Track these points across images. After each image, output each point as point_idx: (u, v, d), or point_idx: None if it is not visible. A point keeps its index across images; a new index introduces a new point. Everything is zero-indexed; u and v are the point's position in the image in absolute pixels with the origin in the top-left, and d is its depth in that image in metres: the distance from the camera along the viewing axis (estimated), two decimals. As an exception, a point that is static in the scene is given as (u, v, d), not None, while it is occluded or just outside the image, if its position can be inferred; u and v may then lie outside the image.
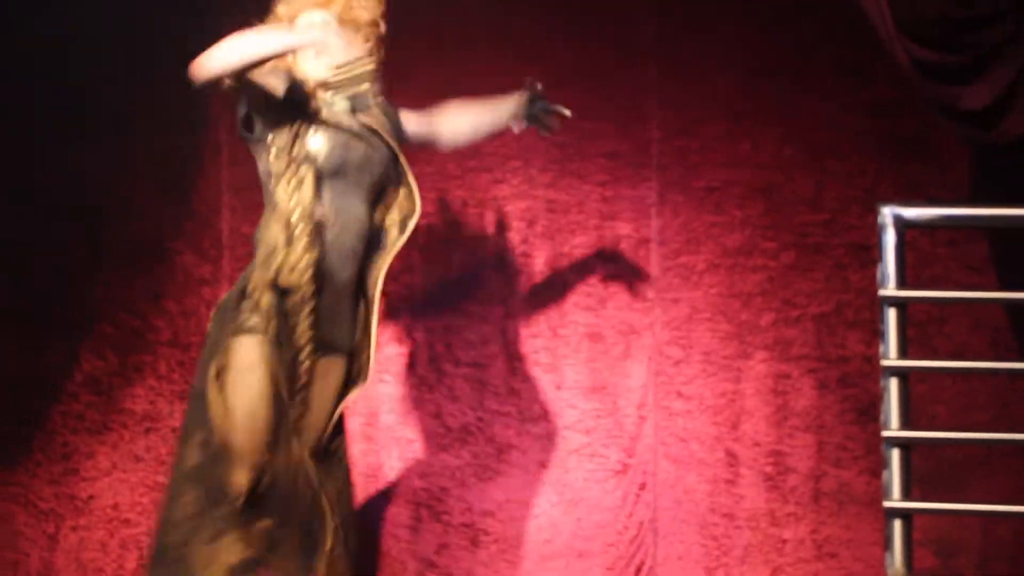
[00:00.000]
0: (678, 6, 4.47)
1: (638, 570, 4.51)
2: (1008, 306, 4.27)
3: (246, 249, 4.64)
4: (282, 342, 3.68)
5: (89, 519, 4.74)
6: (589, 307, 4.55)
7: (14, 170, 4.68)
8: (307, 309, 3.73)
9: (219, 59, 3.62)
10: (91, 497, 4.74)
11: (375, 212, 3.89)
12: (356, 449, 4.54)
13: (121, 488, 4.72)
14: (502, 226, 4.60)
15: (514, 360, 4.57)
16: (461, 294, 4.61)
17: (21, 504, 4.76)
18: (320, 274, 3.74)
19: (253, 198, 4.50)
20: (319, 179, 3.78)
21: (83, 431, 4.74)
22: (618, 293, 4.53)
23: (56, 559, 4.73)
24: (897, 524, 3.76)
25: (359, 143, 3.83)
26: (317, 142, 3.79)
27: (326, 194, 3.78)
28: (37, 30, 4.61)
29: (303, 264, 3.71)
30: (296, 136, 3.79)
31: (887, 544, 3.74)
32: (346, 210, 3.80)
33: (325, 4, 3.78)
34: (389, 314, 4.63)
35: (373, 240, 3.88)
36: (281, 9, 3.84)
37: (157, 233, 4.71)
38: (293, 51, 3.75)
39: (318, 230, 3.74)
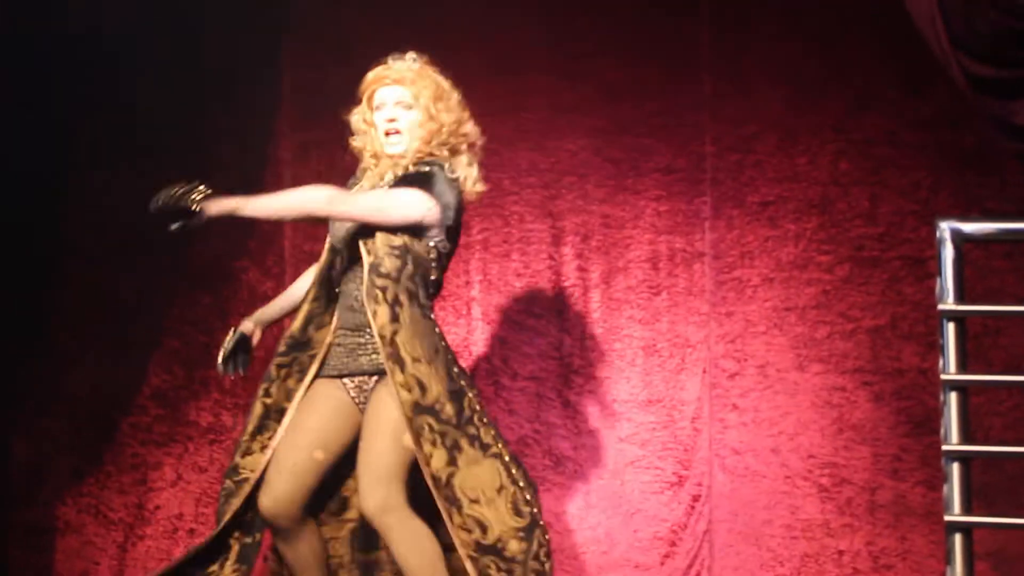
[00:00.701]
0: (732, 23, 4.35)
1: (695, 581, 4.36)
2: (1064, 318, 4.09)
3: (308, 265, 4.52)
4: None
5: (155, 528, 4.67)
6: (644, 321, 4.42)
7: (89, 196, 4.64)
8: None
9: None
10: (157, 507, 4.67)
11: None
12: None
13: (186, 498, 4.65)
14: (557, 240, 4.48)
15: (570, 373, 4.46)
16: (518, 308, 4.50)
17: (92, 514, 4.69)
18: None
19: (314, 216, 4.47)
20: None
21: (151, 443, 4.68)
22: (673, 307, 4.41)
23: (125, 567, 4.66)
24: (958, 538, 3.57)
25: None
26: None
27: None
28: (113, 62, 4.57)
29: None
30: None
31: (948, 558, 3.55)
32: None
33: (399, 81, 3.57)
34: (446, 328, 4.48)
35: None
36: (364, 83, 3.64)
37: (223, 252, 4.66)
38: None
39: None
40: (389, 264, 3.47)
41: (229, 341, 3.78)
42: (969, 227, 3.61)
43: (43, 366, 4.65)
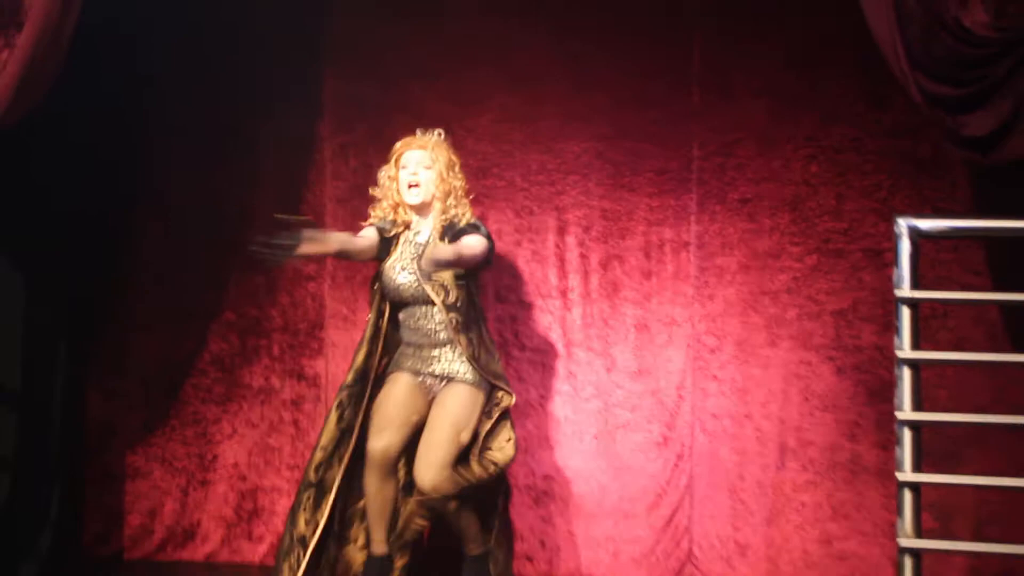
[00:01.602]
0: (719, 44, 4.26)
1: (676, 529, 4.30)
2: (1004, 304, 4.02)
3: (346, 250, 4.48)
4: None
5: (214, 475, 4.60)
6: (636, 301, 4.34)
7: (157, 189, 4.58)
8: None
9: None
10: (215, 457, 4.60)
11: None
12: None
13: (240, 450, 4.58)
14: (562, 230, 4.39)
15: (571, 346, 4.38)
16: (527, 289, 4.41)
17: (158, 462, 4.63)
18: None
19: (352, 207, 4.44)
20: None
21: (210, 402, 4.60)
22: (662, 290, 4.33)
23: (187, 507, 4.59)
24: (908, 494, 3.54)
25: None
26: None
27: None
28: (177, 73, 4.53)
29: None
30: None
31: (899, 511, 3.52)
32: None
33: (422, 147, 3.86)
34: None
35: None
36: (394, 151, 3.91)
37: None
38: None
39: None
40: (453, 297, 3.82)
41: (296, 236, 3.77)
42: (925, 224, 3.55)
43: (116, 334, 4.59)
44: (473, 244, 3.77)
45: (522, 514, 4.33)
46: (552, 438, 4.36)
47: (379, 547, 3.92)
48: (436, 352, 3.86)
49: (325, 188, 4.51)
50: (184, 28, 4.46)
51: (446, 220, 3.83)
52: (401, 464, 3.92)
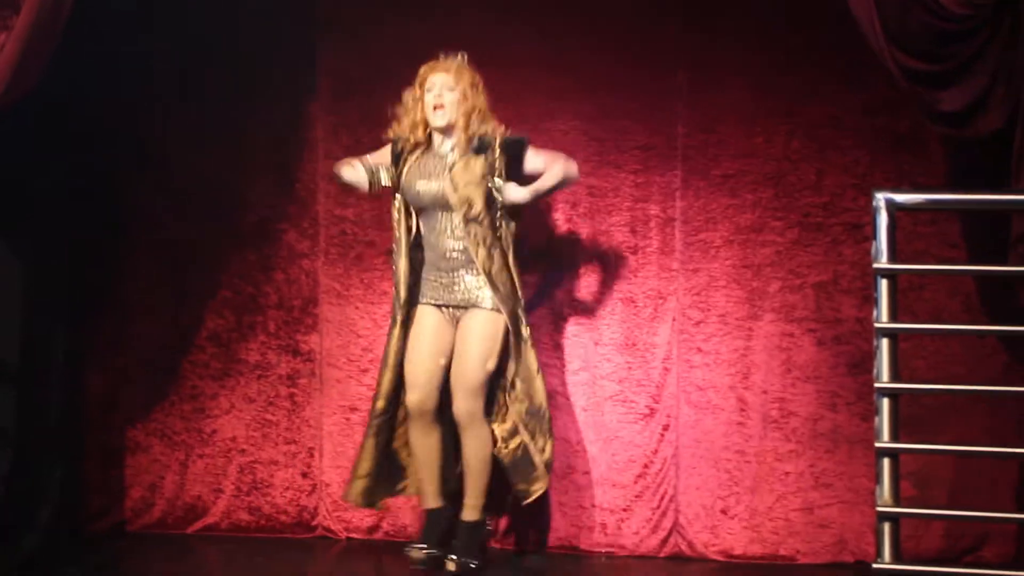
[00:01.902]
0: (702, 24, 4.28)
1: (662, 498, 4.33)
2: (979, 276, 4.06)
3: (339, 228, 4.56)
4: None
5: (213, 449, 4.63)
6: (623, 276, 4.37)
7: (153, 168, 4.59)
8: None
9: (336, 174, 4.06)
10: (214, 431, 4.63)
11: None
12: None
13: (238, 424, 4.61)
14: (550, 207, 4.42)
15: (560, 320, 4.41)
16: (516, 264, 4.34)
17: (158, 436, 4.65)
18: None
19: (344, 186, 4.43)
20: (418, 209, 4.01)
21: (208, 377, 4.63)
22: (648, 264, 4.36)
23: (186, 481, 4.62)
24: (886, 462, 3.58)
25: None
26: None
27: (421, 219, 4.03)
28: (171, 56, 4.54)
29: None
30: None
31: (877, 478, 3.56)
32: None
33: (446, 70, 3.96)
34: None
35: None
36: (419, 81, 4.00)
37: (267, 216, 4.59)
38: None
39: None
40: (477, 211, 3.91)
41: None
42: (901, 197, 3.59)
43: (115, 312, 4.60)
44: (562, 163, 3.94)
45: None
46: (541, 410, 4.39)
47: (432, 500, 4.03)
48: (456, 276, 3.93)
49: (318, 166, 4.52)
50: (178, 8, 4.46)
51: (471, 134, 3.91)
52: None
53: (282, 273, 4.60)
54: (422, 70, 3.96)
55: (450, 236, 3.94)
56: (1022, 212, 3.66)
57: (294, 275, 4.58)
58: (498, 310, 3.92)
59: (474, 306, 3.94)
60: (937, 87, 3.69)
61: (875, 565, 3.44)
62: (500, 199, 3.93)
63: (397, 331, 4.00)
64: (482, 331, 3.93)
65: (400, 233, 3.99)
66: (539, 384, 3.97)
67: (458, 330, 3.97)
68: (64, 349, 4.38)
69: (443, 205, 3.93)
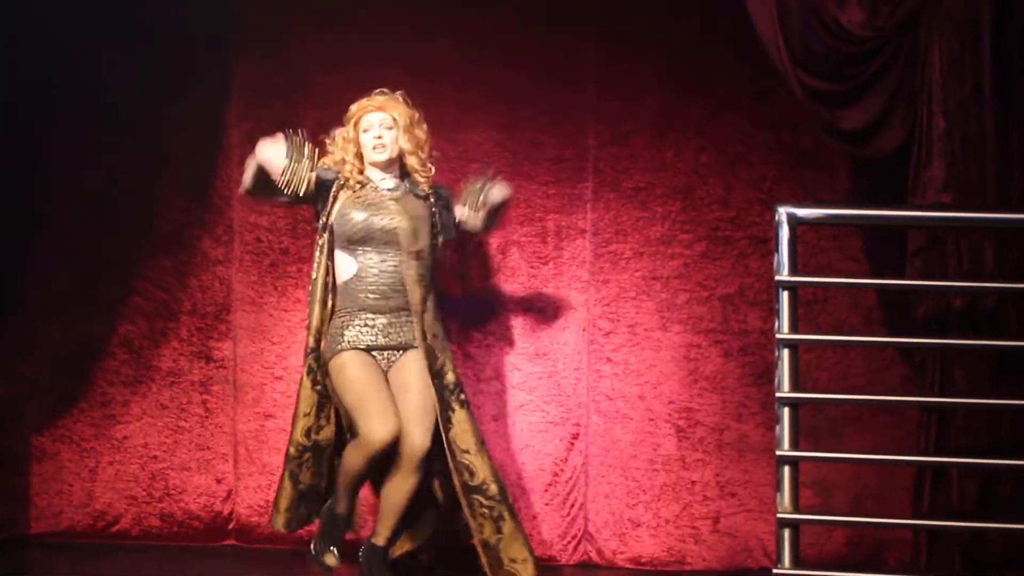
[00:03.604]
0: (613, 39, 4.27)
1: (572, 506, 4.31)
2: (880, 289, 4.10)
3: (253, 235, 4.51)
4: None
5: (124, 455, 4.52)
6: (533, 286, 4.34)
7: (61, 174, 4.48)
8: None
9: (244, 181, 3.79)
10: (125, 437, 4.52)
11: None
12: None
13: (150, 430, 4.51)
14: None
15: (471, 330, 4.37)
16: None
17: (66, 443, 4.54)
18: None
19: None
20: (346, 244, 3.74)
21: (119, 383, 4.52)
22: (558, 275, 4.34)
23: (96, 488, 4.51)
24: (787, 470, 3.58)
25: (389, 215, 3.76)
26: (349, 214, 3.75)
27: (353, 256, 3.75)
28: (81, 58, 4.42)
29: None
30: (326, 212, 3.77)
31: (778, 486, 3.56)
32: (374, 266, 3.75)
33: (381, 108, 3.78)
34: None
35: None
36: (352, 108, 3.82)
37: (181, 222, 4.51)
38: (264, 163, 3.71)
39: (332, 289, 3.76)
40: (420, 245, 3.73)
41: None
42: (802, 212, 3.60)
43: (23, 317, 4.47)
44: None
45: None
46: (453, 419, 4.36)
47: (344, 506, 3.78)
48: (394, 318, 3.70)
49: (232, 173, 4.44)
50: (89, 8, 4.35)
51: (412, 170, 3.76)
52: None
53: (195, 280, 4.52)
54: (354, 109, 3.76)
55: (388, 274, 3.70)
56: (919, 228, 3.70)
57: (208, 282, 4.51)
58: (423, 350, 3.70)
59: (411, 347, 3.72)
60: (838, 106, 3.74)
61: (775, 570, 3.45)
62: (449, 234, 3.80)
63: (307, 381, 3.73)
64: (423, 369, 3.70)
65: (318, 274, 3.72)
66: (486, 458, 3.75)
67: (396, 372, 3.71)
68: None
69: (386, 239, 3.69)
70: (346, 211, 3.72)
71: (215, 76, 4.42)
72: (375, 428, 3.63)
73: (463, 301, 4.35)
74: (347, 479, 3.75)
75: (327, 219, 3.73)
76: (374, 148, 3.74)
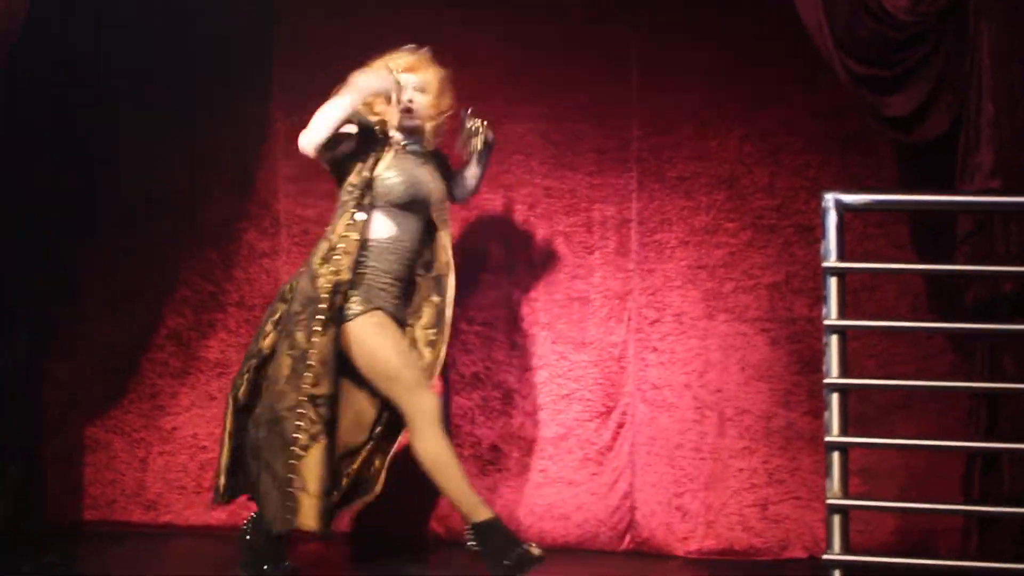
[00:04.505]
0: (658, 28, 4.28)
1: (619, 495, 4.32)
2: (926, 276, 4.09)
3: (300, 228, 4.54)
4: None
5: (173, 446, 4.58)
6: (579, 276, 4.36)
7: (114, 170, 4.54)
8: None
9: (313, 133, 3.61)
10: (174, 428, 4.58)
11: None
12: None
13: (199, 421, 4.56)
14: (507, 208, 4.41)
15: (517, 319, 4.39)
16: (474, 264, 4.40)
17: (118, 434, 4.59)
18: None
19: (304, 186, 4.44)
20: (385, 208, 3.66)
21: (167, 375, 4.58)
22: (604, 264, 4.34)
23: (147, 478, 4.57)
24: (836, 456, 3.57)
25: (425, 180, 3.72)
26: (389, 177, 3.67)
27: (393, 220, 3.66)
28: (132, 58, 4.48)
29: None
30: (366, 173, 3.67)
31: (828, 472, 3.54)
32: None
33: (413, 69, 3.68)
34: None
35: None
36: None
37: (228, 215, 4.56)
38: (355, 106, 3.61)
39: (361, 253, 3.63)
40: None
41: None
42: (849, 198, 3.59)
43: (75, 310, 4.55)
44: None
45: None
46: (498, 409, 4.37)
47: (485, 511, 3.61)
48: (401, 289, 3.65)
49: (277, 166, 4.50)
50: (135, 6, 4.41)
51: (432, 141, 3.70)
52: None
53: (242, 272, 4.57)
54: (390, 64, 3.66)
55: (416, 240, 3.68)
56: (967, 213, 3.68)
57: (254, 274, 4.55)
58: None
59: (404, 325, 3.68)
60: (884, 92, 3.72)
61: (825, 556, 3.44)
62: (453, 199, 3.82)
63: (334, 332, 3.52)
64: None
65: (354, 230, 3.58)
66: None
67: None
68: (25, 347, 4.33)
69: (421, 205, 3.65)
70: (387, 172, 3.63)
71: (259, 71, 4.46)
72: (428, 393, 3.57)
73: (510, 291, 4.37)
74: (450, 465, 3.56)
75: (370, 174, 3.61)
76: (404, 111, 3.64)
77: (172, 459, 4.56)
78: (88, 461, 4.57)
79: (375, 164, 3.62)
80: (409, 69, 3.64)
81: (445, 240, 3.74)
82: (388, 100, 3.64)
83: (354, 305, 3.60)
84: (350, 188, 3.65)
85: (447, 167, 3.85)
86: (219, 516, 4.52)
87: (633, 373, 4.30)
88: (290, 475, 3.58)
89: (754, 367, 4.22)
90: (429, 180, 3.73)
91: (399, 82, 3.61)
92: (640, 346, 4.29)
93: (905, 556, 3.94)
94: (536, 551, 3.58)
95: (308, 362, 3.59)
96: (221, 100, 4.47)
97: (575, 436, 4.32)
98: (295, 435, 3.59)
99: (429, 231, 3.77)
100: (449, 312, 3.73)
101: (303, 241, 4.51)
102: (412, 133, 3.73)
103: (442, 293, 3.70)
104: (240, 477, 3.73)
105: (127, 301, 4.55)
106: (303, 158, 4.48)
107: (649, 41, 4.26)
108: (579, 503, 4.31)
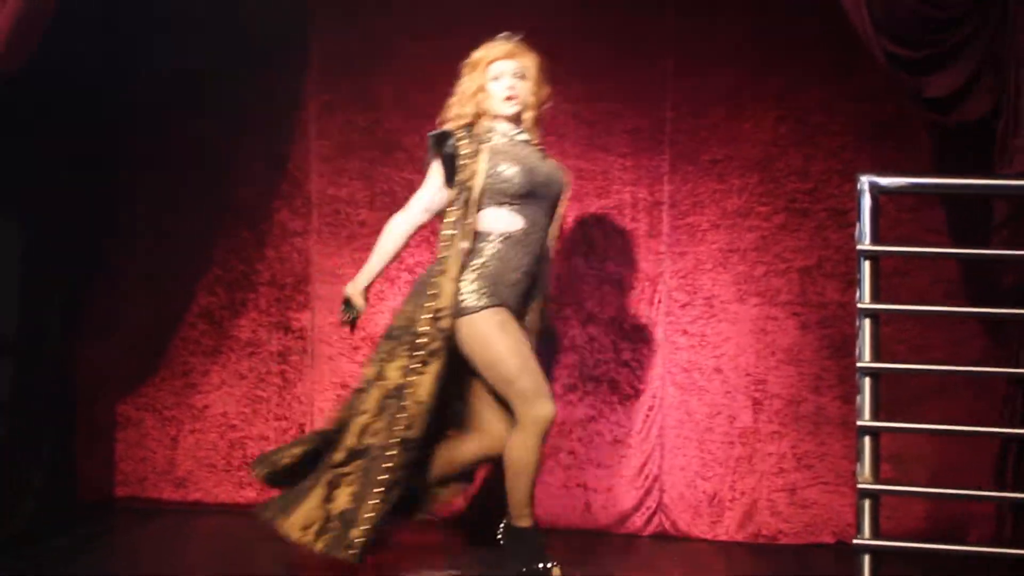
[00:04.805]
0: (692, 10, 4.25)
1: (647, 478, 4.31)
2: (960, 262, 4.05)
3: (332, 207, 4.54)
4: None
5: (204, 424, 4.60)
6: (610, 256, 4.34)
7: (144, 147, 4.55)
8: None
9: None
10: (205, 407, 4.60)
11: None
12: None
13: (229, 400, 4.58)
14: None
15: (547, 300, 4.29)
16: None
17: (149, 411, 4.62)
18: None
19: (337, 165, 4.43)
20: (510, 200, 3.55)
21: (199, 354, 4.60)
22: (635, 247, 4.33)
23: (177, 456, 4.60)
24: (867, 440, 3.54)
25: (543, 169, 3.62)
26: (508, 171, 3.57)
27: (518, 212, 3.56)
28: (168, 28, 4.47)
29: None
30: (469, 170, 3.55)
31: (858, 456, 3.52)
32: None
33: (512, 55, 3.59)
34: None
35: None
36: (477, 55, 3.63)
37: (260, 194, 4.56)
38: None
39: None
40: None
41: (347, 313, 3.62)
42: (884, 181, 3.55)
43: (109, 288, 4.57)
44: None
45: (496, 465, 4.35)
46: (529, 390, 4.37)
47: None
48: (527, 287, 3.53)
49: (310, 145, 4.50)
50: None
51: (534, 132, 3.58)
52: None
53: (274, 251, 4.58)
54: (481, 53, 3.57)
55: (543, 231, 3.51)
56: (1004, 198, 3.64)
57: (286, 253, 4.56)
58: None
59: (523, 328, 3.55)
60: (923, 73, 3.67)
61: (855, 540, 3.42)
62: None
63: (436, 367, 3.39)
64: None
65: (458, 240, 3.43)
66: None
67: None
68: (59, 324, 4.36)
69: (543, 195, 3.51)
70: (498, 166, 3.49)
71: (294, 46, 4.46)
72: (546, 403, 3.42)
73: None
74: (530, 473, 3.45)
75: (472, 177, 3.48)
76: (506, 100, 3.52)
77: (203, 437, 4.59)
78: (119, 438, 4.61)
79: (474, 164, 3.50)
80: (508, 56, 3.55)
81: (553, 236, 3.63)
82: (476, 92, 3.54)
83: (478, 298, 3.46)
84: (460, 191, 3.54)
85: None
86: (248, 494, 4.54)
87: (663, 356, 4.29)
88: (359, 510, 3.49)
89: (784, 351, 4.21)
90: (549, 168, 3.60)
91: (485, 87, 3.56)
92: (670, 329, 4.28)
93: (935, 543, 3.91)
94: (557, 572, 3.53)
95: (403, 402, 3.47)
96: (256, 74, 4.46)
97: (604, 419, 4.31)
98: (381, 477, 3.46)
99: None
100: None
101: (335, 221, 4.51)
102: (516, 122, 3.60)
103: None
104: (288, 472, 3.65)
105: (159, 280, 4.57)
106: (337, 137, 4.51)
107: (684, 22, 4.24)
108: (607, 486, 4.30)
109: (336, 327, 4.52)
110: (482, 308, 3.46)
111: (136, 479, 4.59)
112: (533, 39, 4.28)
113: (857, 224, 3.53)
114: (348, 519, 3.49)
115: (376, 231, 4.45)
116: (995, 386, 3.84)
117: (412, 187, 4.45)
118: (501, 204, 3.53)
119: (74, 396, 4.52)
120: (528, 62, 3.60)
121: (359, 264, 4.50)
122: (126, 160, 4.58)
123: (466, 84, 3.59)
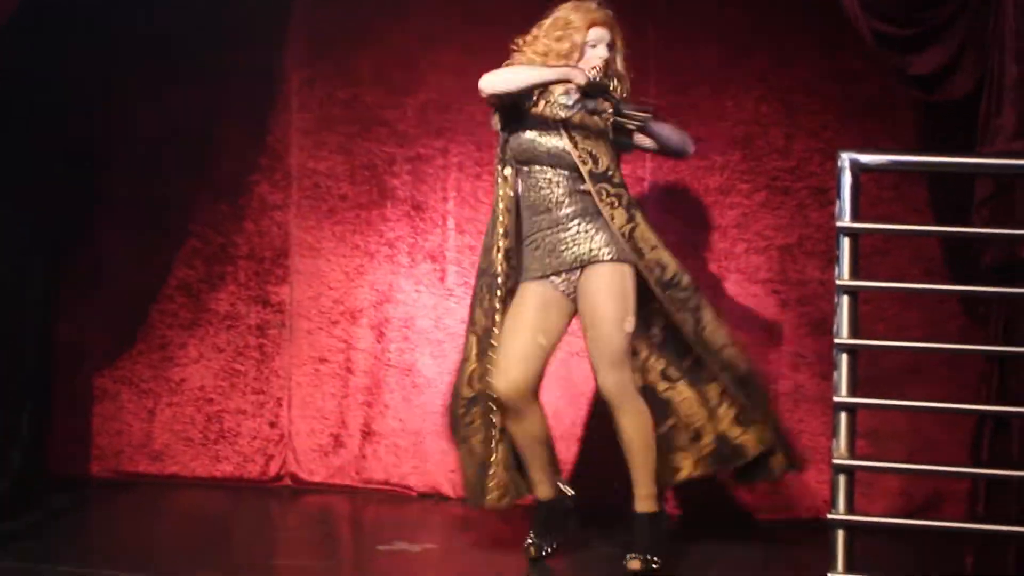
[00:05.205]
0: (676, -14, 4.25)
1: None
2: (940, 241, 4.07)
3: (311, 181, 4.50)
4: None
5: (181, 397, 4.58)
6: (593, 234, 4.29)
7: (128, 122, 4.51)
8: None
9: (499, 83, 3.50)
10: (182, 380, 4.58)
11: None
12: (394, 348, 4.44)
13: (207, 373, 4.56)
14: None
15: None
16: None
17: (126, 384, 4.59)
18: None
19: (318, 138, 4.39)
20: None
21: (177, 326, 4.58)
22: (616, 222, 4.27)
23: (154, 429, 4.57)
24: (843, 416, 3.53)
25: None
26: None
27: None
28: (144, 4, 4.42)
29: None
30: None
31: (834, 432, 3.50)
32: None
33: (606, 25, 3.54)
34: (426, 236, 4.46)
35: None
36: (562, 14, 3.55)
37: (239, 167, 4.53)
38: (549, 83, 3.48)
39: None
40: (603, 166, 3.51)
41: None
42: (865, 158, 3.54)
43: (86, 260, 4.54)
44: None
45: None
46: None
47: (542, 490, 3.60)
48: (564, 234, 3.46)
49: (291, 118, 4.48)
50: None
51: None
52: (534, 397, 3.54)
53: (253, 224, 4.55)
54: (580, 15, 3.49)
55: (554, 187, 3.47)
56: (986, 176, 3.65)
57: (265, 226, 4.54)
58: (622, 260, 3.44)
59: (590, 263, 3.45)
60: (909, 51, 3.68)
61: (829, 516, 3.42)
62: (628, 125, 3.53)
63: (499, 318, 3.47)
64: (609, 288, 3.43)
65: (505, 192, 3.48)
66: (739, 351, 3.56)
67: (580, 297, 3.48)
68: (36, 297, 4.32)
69: (564, 163, 3.49)
70: (526, 131, 3.50)
71: (277, 19, 4.42)
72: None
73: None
74: (516, 445, 3.53)
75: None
76: (593, 68, 3.47)
77: (179, 410, 4.57)
78: (96, 411, 4.58)
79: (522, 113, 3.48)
80: (605, 25, 3.52)
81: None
82: (572, 49, 3.48)
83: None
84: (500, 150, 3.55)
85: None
86: (224, 468, 4.53)
87: (643, 332, 4.28)
88: (487, 455, 3.56)
89: (763, 328, 4.21)
90: (562, 136, 3.57)
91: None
92: (651, 306, 4.28)
93: (910, 519, 3.94)
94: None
95: (492, 341, 3.54)
96: (237, 47, 4.43)
97: (584, 394, 4.29)
98: (491, 416, 3.55)
99: None
100: None
101: (314, 195, 4.49)
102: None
103: None
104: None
105: (137, 252, 4.54)
106: (318, 111, 4.47)
107: (668, 1, 4.22)
108: (588, 459, 4.29)
109: (315, 301, 4.50)
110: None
111: (112, 452, 4.57)
112: (513, 14, 4.25)
113: (837, 201, 3.53)
114: (482, 466, 3.56)
115: (356, 205, 4.46)
116: (972, 365, 3.86)
117: (393, 161, 4.46)
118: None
119: (51, 368, 4.49)
120: (616, 34, 3.57)
121: (339, 238, 4.51)
122: (105, 133, 4.54)
123: (562, 40, 3.50)
